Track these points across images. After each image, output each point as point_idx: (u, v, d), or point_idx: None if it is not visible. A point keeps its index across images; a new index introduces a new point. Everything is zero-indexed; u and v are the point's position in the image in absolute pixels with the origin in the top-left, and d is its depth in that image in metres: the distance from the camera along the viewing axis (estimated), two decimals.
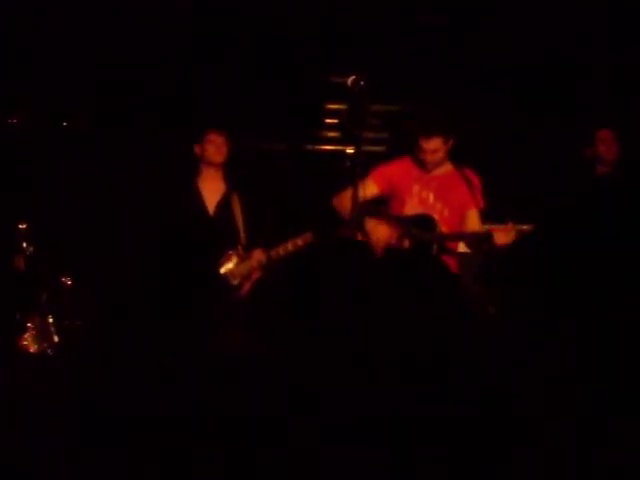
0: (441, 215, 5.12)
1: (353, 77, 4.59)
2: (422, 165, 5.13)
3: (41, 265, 4.89)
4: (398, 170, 5.20)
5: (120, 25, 5.82)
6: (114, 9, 5.75)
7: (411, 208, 5.11)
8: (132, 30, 5.86)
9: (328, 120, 6.26)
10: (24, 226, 4.88)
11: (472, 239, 5.10)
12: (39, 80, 5.66)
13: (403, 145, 5.39)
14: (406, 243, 5.00)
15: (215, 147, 5.30)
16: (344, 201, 5.04)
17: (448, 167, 5.21)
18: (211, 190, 5.35)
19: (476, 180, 5.19)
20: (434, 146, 5.05)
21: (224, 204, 5.33)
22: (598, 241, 5.13)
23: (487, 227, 5.07)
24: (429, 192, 5.15)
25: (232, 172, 5.38)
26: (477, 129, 6.12)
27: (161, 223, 5.20)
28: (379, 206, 5.16)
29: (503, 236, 4.87)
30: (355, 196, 4.69)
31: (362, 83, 4.57)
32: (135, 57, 5.91)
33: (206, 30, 5.99)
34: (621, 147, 5.61)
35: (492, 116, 6.31)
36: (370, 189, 5.11)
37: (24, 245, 4.86)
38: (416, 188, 5.15)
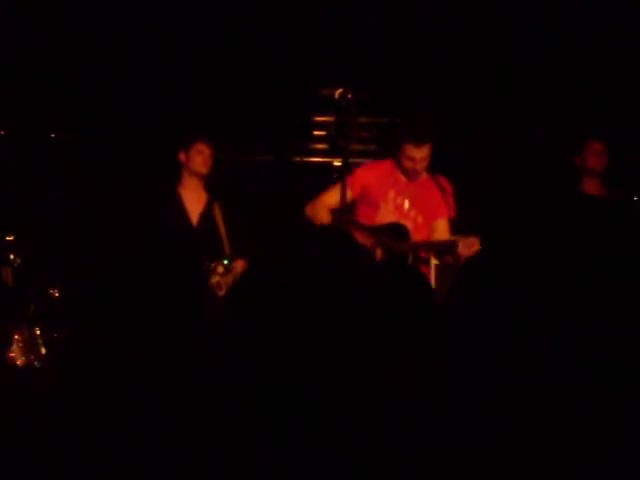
0: (415, 222, 5.03)
1: (341, 90, 4.60)
2: (406, 173, 5.01)
3: (29, 277, 4.87)
4: (373, 174, 5.09)
5: (106, 36, 5.82)
6: (99, 21, 5.76)
7: (385, 214, 5.01)
8: (119, 41, 5.86)
9: (316, 132, 6.26)
10: (11, 238, 4.86)
11: (439, 248, 4.98)
12: (26, 92, 5.66)
13: (391, 156, 5.35)
14: (379, 253, 4.88)
15: (202, 158, 5.25)
16: (317, 209, 4.96)
17: (423, 174, 5.09)
18: (193, 200, 5.31)
19: (449, 187, 5.09)
20: (424, 154, 4.96)
21: (207, 214, 5.30)
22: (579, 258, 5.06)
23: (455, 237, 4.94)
24: (404, 198, 5.04)
25: (214, 182, 5.36)
26: (463, 138, 6.14)
27: (145, 233, 5.17)
28: (347, 214, 5.00)
29: (466, 247, 4.74)
30: (342, 207, 4.64)
31: (350, 96, 4.57)
32: (122, 66, 5.92)
33: (195, 41, 6.00)
34: (610, 159, 5.65)
35: (478, 125, 6.32)
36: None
37: (11, 257, 4.85)
38: (391, 194, 5.04)
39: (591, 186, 5.69)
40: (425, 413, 3.19)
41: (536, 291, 4.68)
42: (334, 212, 4.87)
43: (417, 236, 5.00)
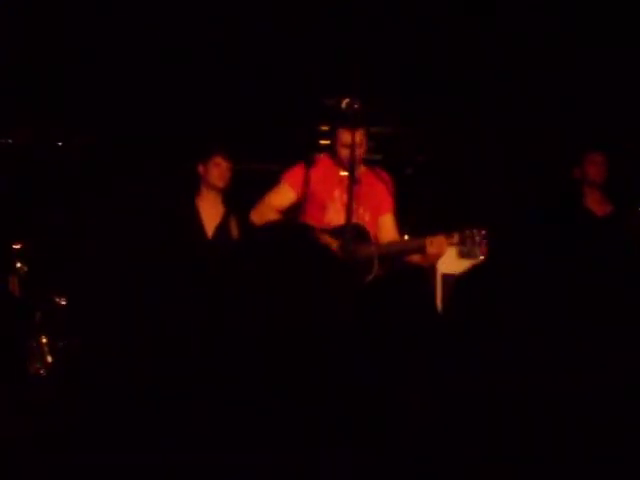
0: (363, 220, 4.76)
1: (347, 100, 4.58)
2: (343, 164, 4.70)
3: (35, 285, 4.87)
4: (317, 170, 4.79)
5: (121, 46, 5.84)
6: (115, 27, 5.77)
7: (334, 214, 4.72)
8: (134, 51, 5.88)
9: (322, 142, 6.27)
10: (18, 246, 4.87)
11: (406, 250, 4.70)
12: (36, 99, 5.67)
13: (397, 166, 5.30)
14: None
15: (220, 171, 5.30)
16: (265, 213, 4.71)
17: (362, 167, 4.84)
18: (210, 212, 5.35)
19: (389, 180, 4.88)
20: (358, 139, 4.65)
21: (223, 227, 5.33)
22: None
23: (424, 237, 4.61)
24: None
25: (232, 195, 5.40)
26: (466, 145, 6.15)
27: (159, 244, 5.19)
28: (293, 216, 4.77)
29: (436, 247, 4.52)
30: (348, 220, 4.50)
31: (356, 106, 4.54)
32: (135, 76, 5.93)
33: (203, 52, 6.01)
34: (610, 170, 5.64)
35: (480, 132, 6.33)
36: (287, 195, 4.77)
37: (18, 265, 4.85)
38: (337, 192, 4.74)
39: (592, 198, 5.65)
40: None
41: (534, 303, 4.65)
42: (284, 216, 4.66)
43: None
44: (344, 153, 4.66)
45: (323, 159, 4.82)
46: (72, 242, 5.44)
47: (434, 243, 4.50)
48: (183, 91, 6.02)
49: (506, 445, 3.09)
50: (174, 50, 5.91)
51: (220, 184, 5.32)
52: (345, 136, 4.66)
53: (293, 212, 4.74)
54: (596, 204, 5.65)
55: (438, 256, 4.59)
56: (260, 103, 6.12)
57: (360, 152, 4.70)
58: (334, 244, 4.48)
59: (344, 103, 4.56)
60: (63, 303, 4.86)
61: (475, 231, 4.53)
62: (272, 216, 4.65)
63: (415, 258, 4.66)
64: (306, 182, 4.72)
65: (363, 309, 4.05)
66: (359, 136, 4.66)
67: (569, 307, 4.22)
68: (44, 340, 4.77)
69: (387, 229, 4.81)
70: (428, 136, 6.33)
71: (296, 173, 4.79)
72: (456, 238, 4.55)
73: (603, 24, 5.98)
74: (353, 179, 4.54)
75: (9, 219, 5.08)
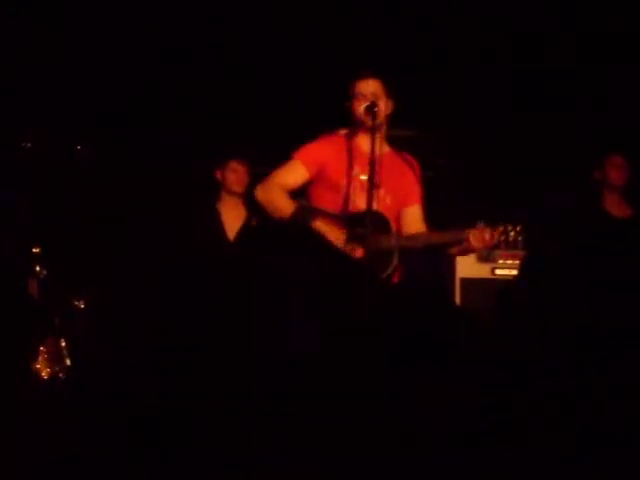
0: (383, 203, 4.29)
1: (367, 103, 4.51)
2: (358, 125, 4.29)
3: (54, 289, 4.89)
4: (331, 148, 4.35)
5: (137, 51, 5.86)
6: (131, 34, 5.79)
7: (350, 194, 4.25)
8: (149, 58, 5.90)
9: None
10: (37, 250, 4.89)
11: (447, 241, 4.22)
12: (54, 102, 5.70)
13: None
14: (358, 252, 4.03)
15: (236, 176, 5.35)
16: (272, 192, 4.30)
17: (387, 148, 4.44)
18: (232, 216, 5.40)
19: (417, 166, 4.47)
20: (373, 89, 4.30)
21: (245, 231, 5.37)
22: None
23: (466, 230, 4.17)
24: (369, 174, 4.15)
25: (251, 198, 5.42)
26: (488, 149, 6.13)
27: (180, 248, 5.23)
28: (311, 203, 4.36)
29: (479, 239, 4.08)
30: (368, 218, 4.01)
31: (376, 109, 4.41)
32: (152, 80, 5.96)
33: (217, 56, 6.03)
34: (632, 173, 5.62)
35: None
36: (298, 172, 4.32)
37: (37, 269, 4.87)
38: (355, 170, 4.29)
39: (612, 201, 5.65)
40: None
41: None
42: (296, 201, 4.27)
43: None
44: (360, 108, 4.26)
45: (340, 134, 4.43)
46: (92, 248, 5.46)
47: (477, 235, 4.06)
48: (197, 96, 6.04)
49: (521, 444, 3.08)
50: (178, 50, 5.92)
51: (238, 189, 5.37)
52: (361, 87, 4.29)
53: (301, 193, 4.36)
54: (615, 207, 5.65)
55: (482, 249, 4.15)
56: (277, 105, 6.12)
57: (381, 107, 4.31)
58: (343, 235, 4.12)
59: (363, 106, 4.46)
60: (82, 307, 4.89)
61: (510, 226, 4.08)
62: (278, 194, 4.27)
63: (453, 250, 4.26)
64: (319, 157, 4.32)
65: (381, 314, 3.98)
66: (373, 85, 4.33)
67: (588, 304, 4.19)
68: (63, 343, 4.79)
69: (413, 221, 4.37)
70: (448, 139, 6.32)
71: (309, 149, 4.36)
72: (499, 231, 4.08)
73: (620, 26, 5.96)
74: (372, 182, 4.06)
75: (28, 223, 5.10)
